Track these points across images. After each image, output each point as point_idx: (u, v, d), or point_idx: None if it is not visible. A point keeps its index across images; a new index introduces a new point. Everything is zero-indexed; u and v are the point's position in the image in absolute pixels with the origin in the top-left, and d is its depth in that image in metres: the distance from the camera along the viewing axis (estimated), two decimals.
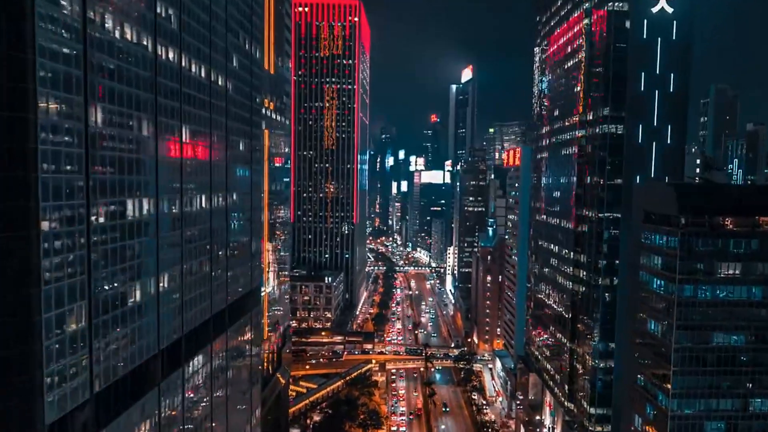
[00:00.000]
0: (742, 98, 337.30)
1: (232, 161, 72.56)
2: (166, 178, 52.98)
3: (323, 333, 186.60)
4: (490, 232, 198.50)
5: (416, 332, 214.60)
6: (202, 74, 61.70)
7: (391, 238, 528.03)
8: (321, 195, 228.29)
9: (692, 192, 77.40)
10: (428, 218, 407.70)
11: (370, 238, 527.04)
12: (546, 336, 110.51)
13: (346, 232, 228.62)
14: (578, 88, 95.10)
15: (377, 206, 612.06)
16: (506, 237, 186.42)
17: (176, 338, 56.23)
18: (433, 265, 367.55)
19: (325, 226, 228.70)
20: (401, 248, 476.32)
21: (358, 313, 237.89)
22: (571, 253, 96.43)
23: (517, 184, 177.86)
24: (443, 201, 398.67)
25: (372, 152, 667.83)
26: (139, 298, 48.31)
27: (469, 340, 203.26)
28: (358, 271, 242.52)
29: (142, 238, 48.33)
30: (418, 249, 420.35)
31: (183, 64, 56.12)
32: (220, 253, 69.52)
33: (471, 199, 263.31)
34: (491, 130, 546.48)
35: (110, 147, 43.32)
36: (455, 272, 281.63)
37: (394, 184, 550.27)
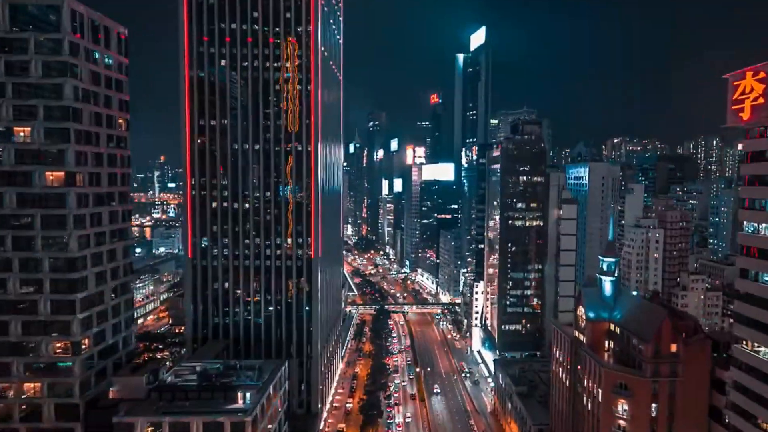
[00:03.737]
0: None
1: None
2: None
3: None
4: (607, 286, 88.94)
5: None
6: None
7: (382, 252, 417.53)
8: (247, 206, 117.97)
9: None
10: (431, 222, 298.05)
11: (355, 252, 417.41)
12: None
13: (298, 271, 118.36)
14: None
15: (364, 210, 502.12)
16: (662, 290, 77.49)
17: None
18: (444, 299, 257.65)
19: (257, 266, 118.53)
20: (395, 266, 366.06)
21: (323, 426, 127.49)
22: None
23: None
24: (455, 206, 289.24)
25: (358, 145, 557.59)
26: None
27: None
28: (323, 342, 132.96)
29: None
30: (419, 270, 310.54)
31: None
32: None
33: (519, 205, 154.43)
34: (493, 121, 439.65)
35: None
36: (489, 322, 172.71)
37: (385, 183, 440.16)
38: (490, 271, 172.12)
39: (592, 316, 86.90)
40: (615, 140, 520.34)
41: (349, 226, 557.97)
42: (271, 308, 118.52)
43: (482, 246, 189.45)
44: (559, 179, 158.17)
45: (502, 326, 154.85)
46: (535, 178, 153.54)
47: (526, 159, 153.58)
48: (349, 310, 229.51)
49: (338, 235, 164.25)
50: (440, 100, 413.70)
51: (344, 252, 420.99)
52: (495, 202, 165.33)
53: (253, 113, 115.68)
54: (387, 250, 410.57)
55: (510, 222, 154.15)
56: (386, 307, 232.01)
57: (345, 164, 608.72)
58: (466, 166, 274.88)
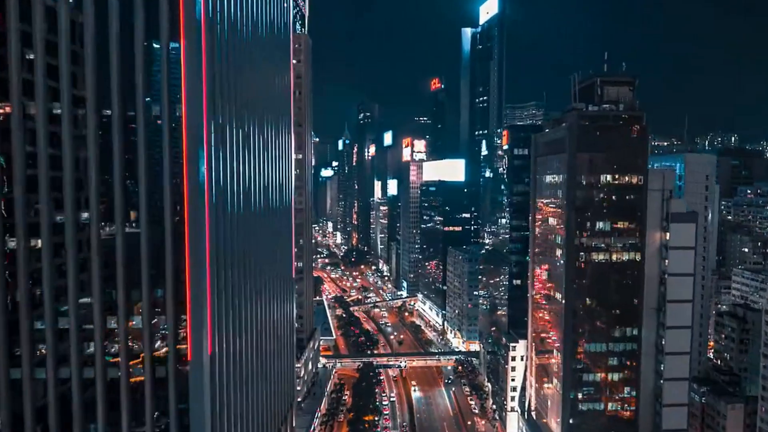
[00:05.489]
0: None
1: None
2: None
3: None
4: None
5: None
6: None
7: (374, 267, 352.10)
8: (40, 246, 52.28)
9: None
10: (433, 232, 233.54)
11: (343, 267, 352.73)
12: None
13: (160, 393, 52.82)
14: None
15: (354, 216, 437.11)
16: None
17: None
18: (455, 342, 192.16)
19: (64, 378, 52.94)
20: (390, 286, 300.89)
21: None
22: None
23: None
24: (466, 214, 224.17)
25: (347, 141, 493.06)
26: None
27: None
28: None
29: None
30: (420, 296, 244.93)
31: None
32: None
33: (599, 225, 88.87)
34: None
35: None
36: (535, 407, 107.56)
37: (378, 184, 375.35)
38: (539, 329, 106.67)
39: None
40: None
41: (339, 234, 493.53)
42: None
43: (518, 282, 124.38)
44: (664, 180, 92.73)
45: None
46: (628, 177, 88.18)
47: (612, 145, 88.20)
48: (324, 364, 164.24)
49: (287, 277, 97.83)
50: (443, 86, 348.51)
51: (329, 267, 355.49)
52: (551, 219, 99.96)
53: (46, 37, 49.95)
54: (380, 266, 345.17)
55: (583, 255, 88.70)
56: (375, 360, 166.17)
57: (335, 164, 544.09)
58: (485, 162, 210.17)
